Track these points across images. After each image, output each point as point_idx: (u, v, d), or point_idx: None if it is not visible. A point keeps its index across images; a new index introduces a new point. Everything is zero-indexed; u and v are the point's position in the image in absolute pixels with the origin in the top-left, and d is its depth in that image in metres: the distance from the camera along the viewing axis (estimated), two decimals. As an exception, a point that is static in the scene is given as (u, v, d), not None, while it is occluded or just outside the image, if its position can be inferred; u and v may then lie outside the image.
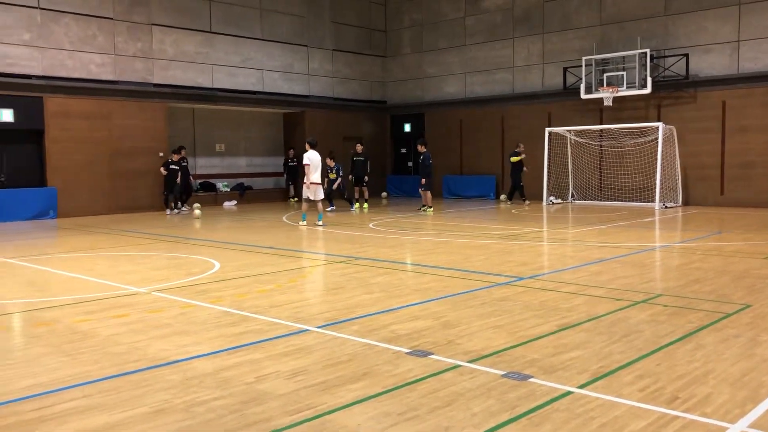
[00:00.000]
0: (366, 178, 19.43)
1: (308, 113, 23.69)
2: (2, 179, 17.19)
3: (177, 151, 19.11)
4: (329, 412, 3.81)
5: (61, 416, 3.81)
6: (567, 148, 20.84)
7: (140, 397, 4.10)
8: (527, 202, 20.29)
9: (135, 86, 19.22)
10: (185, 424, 3.68)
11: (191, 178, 20.06)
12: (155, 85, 19.68)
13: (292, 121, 24.17)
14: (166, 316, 6.29)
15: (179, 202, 19.21)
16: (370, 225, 14.86)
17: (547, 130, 20.51)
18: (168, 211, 18.74)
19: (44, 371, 4.66)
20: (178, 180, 18.86)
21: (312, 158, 14.60)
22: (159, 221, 16.69)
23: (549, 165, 20.51)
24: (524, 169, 20.19)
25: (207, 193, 21.68)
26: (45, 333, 5.74)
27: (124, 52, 19.02)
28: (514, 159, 20.30)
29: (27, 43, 17.26)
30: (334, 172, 18.21)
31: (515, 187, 20.44)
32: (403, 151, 26.45)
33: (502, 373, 4.43)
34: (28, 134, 17.56)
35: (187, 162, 19.64)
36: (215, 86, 21.14)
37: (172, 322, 6.06)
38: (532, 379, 4.29)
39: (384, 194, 25.02)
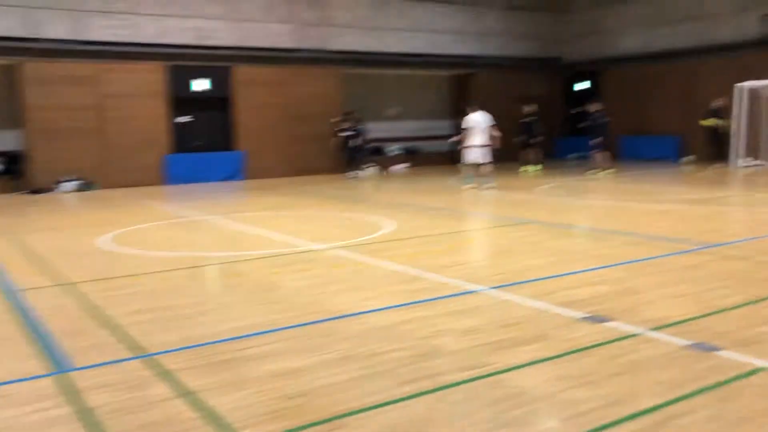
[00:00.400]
0: (536, 139, 18.95)
1: (478, 75, 23.43)
2: (199, 143, 18.90)
3: (347, 117, 19.83)
4: (502, 372, 3.84)
5: (258, 358, 4.20)
6: (763, 105, 18.78)
7: (324, 346, 4.40)
8: (715, 166, 18.59)
9: (312, 54, 20.12)
10: (366, 372, 3.91)
11: (363, 142, 20.74)
12: (330, 52, 20.46)
13: (461, 84, 24.04)
14: (344, 272, 6.65)
15: (353, 166, 19.99)
16: (541, 188, 14.52)
17: (739, 85, 18.59)
18: (349, 174, 19.54)
19: (241, 317, 5.15)
20: (350, 144, 19.59)
21: (474, 120, 14.47)
22: (334, 183, 17.51)
23: (742, 124, 18.62)
24: (720, 130, 18.34)
25: (377, 156, 22.33)
26: (239, 284, 6.32)
27: (304, 20, 19.94)
28: (708, 122, 18.56)
29: (219, 16, 18.67)
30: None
31: (716, 147, 18.51)
32: (576, 111, 25.35)
33: (687, 343, 4.19)
34: (219, 101, 19.10)
35: (357, 127, 20.32)
36: (387, 51, 21.53)
37: (349, 278, 6.40)
38: (720, 352, 4.02)
39: (559, 156, 24.25)
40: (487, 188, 14.25)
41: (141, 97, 17.77)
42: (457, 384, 3.69)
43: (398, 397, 3.53)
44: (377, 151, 22.61)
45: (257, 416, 3.35)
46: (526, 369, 3.89)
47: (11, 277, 6.70)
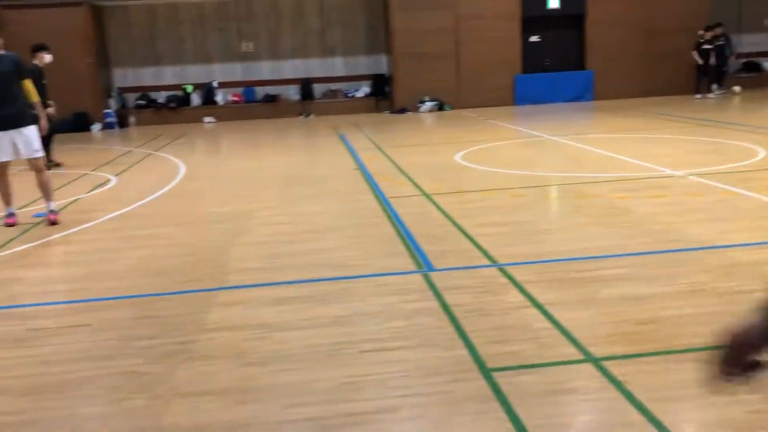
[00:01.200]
0: None
1: None
2: (547, 63, 18.76)
3: (710, 29, 17.55)
4: None
5: (607, 280, 4.19)
6: None
7: (676, 276, 4.17)
8: None
9: (677, -41, 18.13)
10: (723, 308, 3.62)
11: (730, 58, 18.26)
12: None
13: None
14: (704, 201, 6.12)
15: (714, 84, 17.84)
16: None
17: None
18: (697, 96, 17.62)
19: (590, 238, 5.14)
20: (712, 61, 17.41)
21: None
22: (692, 105, 15.92)
23: None
24: None
25: (750, 74, 19.52)
26: (586, 205, 6.26)
27: None
28: None
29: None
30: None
31: None
32: None
33: None
34: (571, 19, 18.53)
35: (724, 41, 17.88)
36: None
37: (710, 208, 5.88)
38: None
39: None
40: None
41: (495, 19, 18.16)
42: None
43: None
44: (754, 67, 19.74)
45: (606, 336, 3.38)
46: None
47: (382, 186, 7.65)
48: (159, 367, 3.30)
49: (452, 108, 18.19)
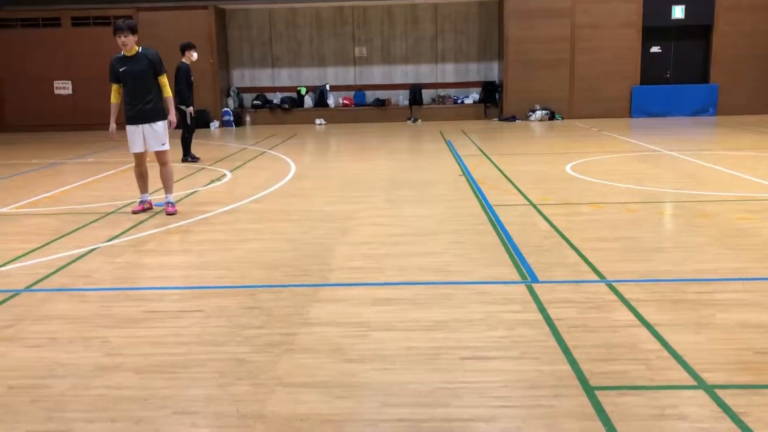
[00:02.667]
0: None
1: None
2: (667, 75, 17.92)
3: None
4: None
5: (723, 304, 3.94)
6: None
7: (806, 306, 3.86)
8: None
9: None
10: None
11: None
12: None
13: None
14: (839, 228, 5.64)
15: None
16: None
17: None
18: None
19: (706, 259, 4.86)
20: None
21: None
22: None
23: None
24: None
25: None
26: (704, 224, 5.92)
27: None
28: None
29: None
30: None
31: None
32: None
33: None
34: (696, 30, 17.61)
35: None
36: None
37: None
38: None
39: None
40: None
41: (614, 28, 17.56)
42: None
43: None
44: None
45: (721, 363, 3.18)
46: None
47: (487, 193, 7.56)
48: (263, 356, 3.41)
49: (564, 118, 17.75)
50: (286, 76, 19.25)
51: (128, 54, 6.68)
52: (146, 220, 6.69)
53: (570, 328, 3.64)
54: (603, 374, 3.09)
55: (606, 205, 6.83)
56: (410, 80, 18.97)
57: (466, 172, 9.19)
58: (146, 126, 6.77)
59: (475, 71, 19.11)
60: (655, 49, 17.91)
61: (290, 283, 4.57)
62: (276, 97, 19.14)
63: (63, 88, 18.28)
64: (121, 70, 6.67)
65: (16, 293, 4.49)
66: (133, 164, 7.12)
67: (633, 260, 4.90)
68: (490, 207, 6.83)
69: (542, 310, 3.92)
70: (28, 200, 7.95)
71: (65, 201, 7.87)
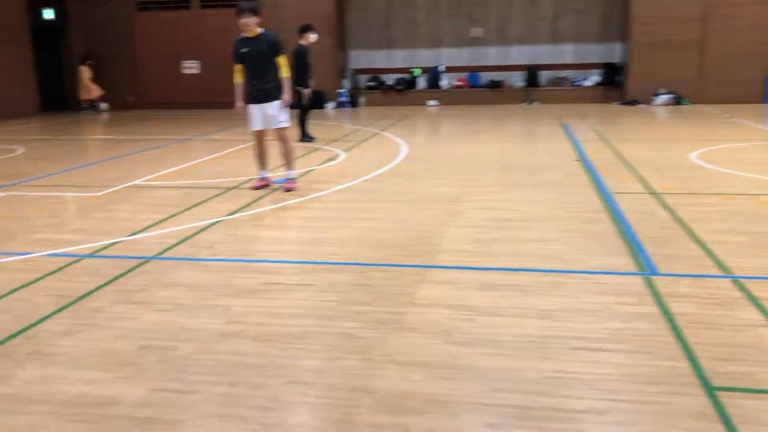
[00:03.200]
0: None
1: None
2: (812, 57, 16.45)
3: None
4: None
5: None
6: None
7: None
8: None
9: None
10: None
11: None
12: None
13: None
14: None
15: None
16: None
17: None
18: None
19: None
20: None
21: None
22: None
23: None
24: None
25: None
26: None
27: None
28: None
29: None
30: None
31: None
32: None
33: None
34: None
35: None
36: None
37: None
38: None
39: None
40: None
41: (752, 5, 16.31)
42: None
43: None
44: None
45: None
46: None
47: (605, 180, 7.29)
48: (372, 332, 3.48)
49: (691, 102, 16.76)
50: (400, 57, 19.31)
51: (249, 35, 6.93)
52: (264, 196, 6.97)
53: (690, 323, 3.47)
54: (726, 375, 2.93)
55: (735, 196, 6.41)
56: (526, 61, 18.51)
57: (582, 158, 8.89)
58: (266, 105, 7.03)
59: (595, 52, 18.36)
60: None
61: (399, 263, 4.63)
62: (390, 79, 19.27)
63: (191, 67, 19.28)
64: (242, 51, 6.94)
65: (147, 260, 4.82)
66: (254, 142, 7.41)
67: (763, 256, 4.58)
68: (608, 194, 6.59)
69: (660, 303, 3.75)
70: (159, 173, 8.49)
71: (191, 175, 8.34)
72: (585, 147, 9.83)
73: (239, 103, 7.17)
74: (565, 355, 3.18)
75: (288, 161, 7.29)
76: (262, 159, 7.36)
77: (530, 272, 4.38)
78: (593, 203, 6.27)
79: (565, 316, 3.63)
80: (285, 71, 7.09)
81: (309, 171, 8.44)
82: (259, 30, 6.95)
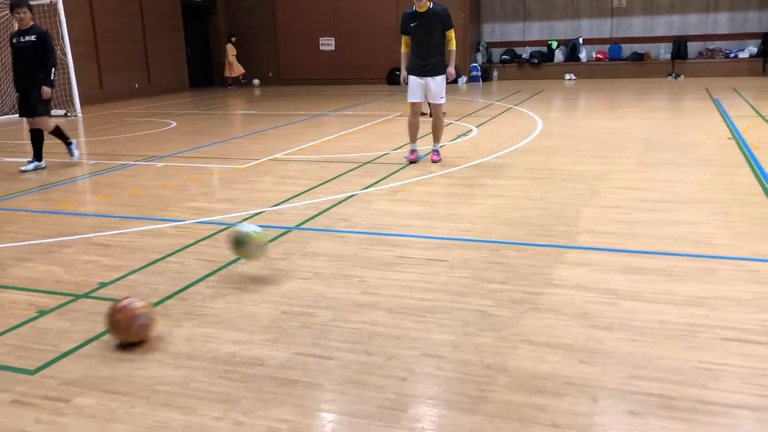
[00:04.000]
0: None
1: None
2: None
3: None
4: None
5: None
6: None
7: None
8: None
9: None
10: None
11: None
12: None
13: None
14: None
15: None
16: None
17: None
18: None
19: None
20: None
21: None
22: None
23: None
24: None
25: None
26: None
27: None
28: None
29: None
30: None
31: None
32: None
33: None
34: None
35: None
36: None
37: None
38: None
39: None
40: None
41: None
42: None
43: None
44: None
45: None
46: None
47: (761, 160, 6.72)
48: (507, 311, 3.45)
49: None
50: (536, 30, 18.74)
51: (420, 10, 7.01)
52: (397, 171, 7.06)
53: None
54: None
55: None
56: (675, 32, 17.36)
57: (737, 135, 8.25)
58: (429, 79, 7.12)
59: (754, 21, 16.88)
60: None
61: (535, 242, 4.54)
62: (525, 52, 18.77)
63: (327, 44, 19.77)
64: (411, 25, 7.06)
65: (288, 230, 5.04)
66: (408, 113, 7.46)
67: None
68: (765, 175, 6.08)
69: (826, 296, 3.43)
70: (297, 147, 8.82)
71: (327, 150, 8.59)
72: (739, 124, 9.10)
73: (404, 72, 7.28)
74: (714, 346, 2.99)
75: (437, 135, 7.45)
76: (414, 131, 7.43)
77: (677, 257, 4.15)
78: (749, 185, 5.81)
79: (716, 305, 3.41)
80: (453, 44, 7.16)
81: (441, 146, 8.43)
82: (430, 4, 7.01)
